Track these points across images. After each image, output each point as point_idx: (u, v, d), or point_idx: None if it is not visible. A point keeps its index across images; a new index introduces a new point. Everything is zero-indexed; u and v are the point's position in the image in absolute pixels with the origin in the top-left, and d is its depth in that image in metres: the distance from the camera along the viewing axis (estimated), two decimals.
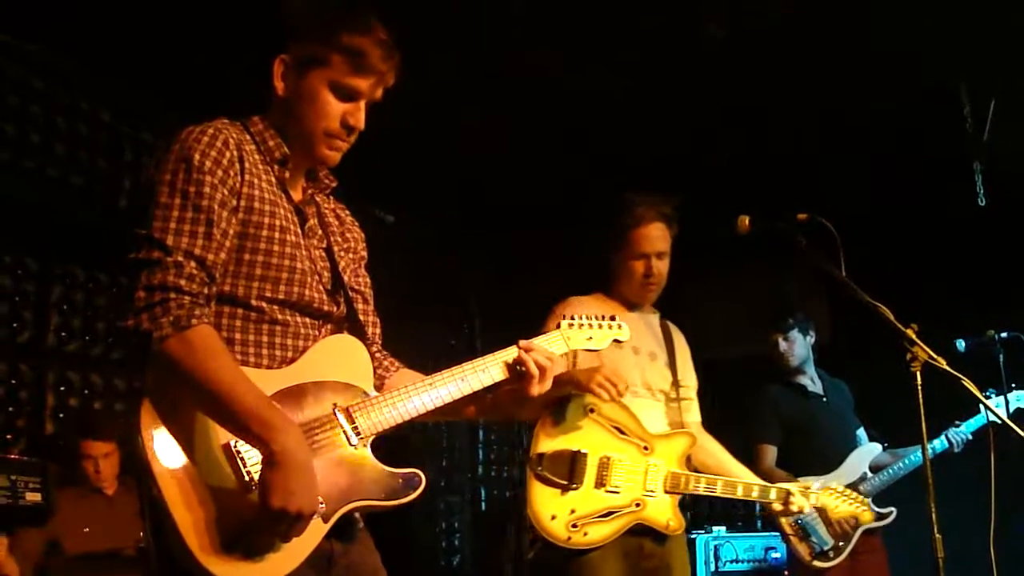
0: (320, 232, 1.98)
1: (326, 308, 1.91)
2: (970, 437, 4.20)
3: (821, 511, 3.66)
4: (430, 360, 2.10)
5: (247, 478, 1.66)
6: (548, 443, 2.85)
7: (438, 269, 6.38)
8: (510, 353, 2.03)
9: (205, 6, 3.91)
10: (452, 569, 6.73)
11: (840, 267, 2.52)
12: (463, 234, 6.34)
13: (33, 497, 3.57)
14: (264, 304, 1.81)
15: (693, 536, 5.06)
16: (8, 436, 4.20)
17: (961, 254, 5.70)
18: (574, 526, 2.76)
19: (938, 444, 4.18)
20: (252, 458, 1.67)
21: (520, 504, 2.84)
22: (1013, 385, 4.19)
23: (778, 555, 5.08)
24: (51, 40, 4.27)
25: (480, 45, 4.36)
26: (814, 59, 4.50)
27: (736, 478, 3.03)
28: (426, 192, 5.71)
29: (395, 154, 4.43)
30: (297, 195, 1.96)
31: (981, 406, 3.87)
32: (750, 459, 3.31)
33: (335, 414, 1.81)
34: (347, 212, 2.15)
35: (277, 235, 1.83)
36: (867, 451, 4.24)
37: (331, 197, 2.11)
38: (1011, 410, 4.12)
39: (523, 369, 2.01)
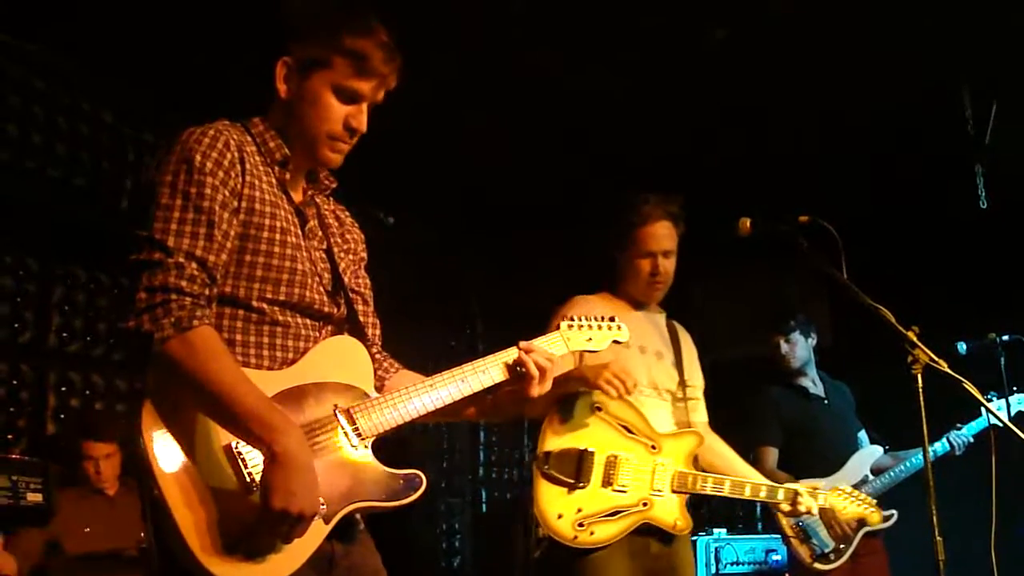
0: (320, 233, 1.99)
1: (326, 309, 1.91)
2: (971, 440, 4.20)
3: (822, 513, 3.65)
4: (430, 361, 2.10)
5: (248, 479, 1.66)
6: (555, 441, 2.82)
7: (438, 270, 6.39)
8: (510, 354, 2.04)
9: (205, 6, 3.92)
10: (452, 570, 6.73)
11: (841, 269, 2.52)
12: (463, 235, 6.34)
13: (34, 497, 3.57)
14: (265, 305, 1.81)
15: (693, 538, 5.05)
16: (9, 436, 4.20)
17: (962, 256, 5.69)
18: (580, 525, 2.75)
19: (939, 447, 4.17)
20: (253, 459, 1.67)
21: (526, 502, 2.83)
22: (1014, 388, 4.18)
23: (779, 557, 5.07)
24: (52, 40, 4.28)
25: (480, 45, 4.36)
26: (814, 59, 4.50)
27: (744, 478, 3.02)
28: (426, 193, 5.71)
29: (395, 155, 4.43)
30: (297, 196, 1.96)
31: (982, 409, 3.87)
32: (751, 461, 3.30)
33: (336, 415, 1.81)
34: (347, 213, 2.15)
35: (278, 236, 1.83)
36: (868, 454, 4.23)
37: (331, 198, 2.11)
38: (1012, 413, 4.11)
39: (523, 370, 2.01)
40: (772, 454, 4.27)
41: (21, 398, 4.28)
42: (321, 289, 1.91)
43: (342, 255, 2.03)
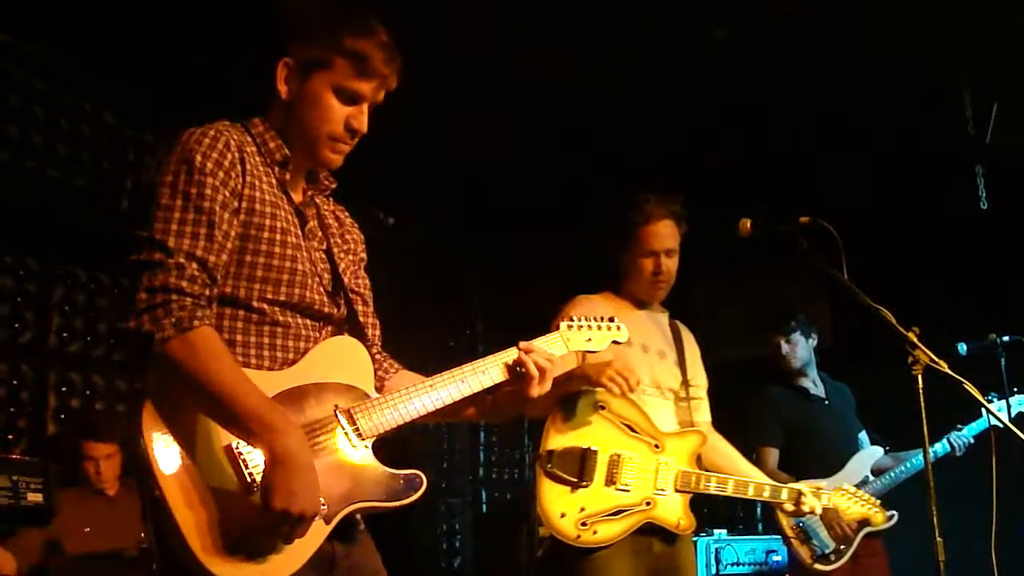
0: (320, 234, 1.99)
1: (326, 310, 1.91)
2: (971, 441, 4.19)
3: (824, 513, 3.65)
4: (430, 362, 2.10)
5: (249, 479, 1.66)
6: (558, 440, 2.82)
7: (439, 270, 6.39)
8: (510, 354, 2.04)
9: (205, 6, 3.92)
10: (453, 571, 6.72)
11: (842, 270, 2.52)
12: (463, 235, 6.34)
13: (34, 497, 3.58)
14: (265, 306, 1.81)
15: (694, 539, 5.05)
16: (9, 436, 4.20)
17: (962, 257, 5.69)
18: (583, 524, 2.74)
19: (940, 448, 4.17)
20: (254, 459, 1.67)
21: (530, 501, 2.82)
22: (1015, 389, 4.17)
23: (779, 558, 5.07)
24: (52, 40, 4.28)
25: (480, 45, 4.36)
26: (814, 59, 4.50)
27: (747, 478, 3.02)
28: (426, 193, 5.72)
29: (395, 155, 4.43)
30: (297, 197, 1.96)
31: (983, 410, 3.87)
32: (751, 462, 3.30)
33: (336, 416, 1.81)
34: (346, 213, 2.15)
35: (278, 237, 1.83)
36: (869, 454, 4.23)
37: (331, 198, 2.11)
38: (1013, 414, 4.11)
39: (523, 370, 2.01)
40: (773, 454, 4.27)
41: (21, 398, 4.28)
42: (321, 289, 1.91)
43: (342, 255, 2.03)
